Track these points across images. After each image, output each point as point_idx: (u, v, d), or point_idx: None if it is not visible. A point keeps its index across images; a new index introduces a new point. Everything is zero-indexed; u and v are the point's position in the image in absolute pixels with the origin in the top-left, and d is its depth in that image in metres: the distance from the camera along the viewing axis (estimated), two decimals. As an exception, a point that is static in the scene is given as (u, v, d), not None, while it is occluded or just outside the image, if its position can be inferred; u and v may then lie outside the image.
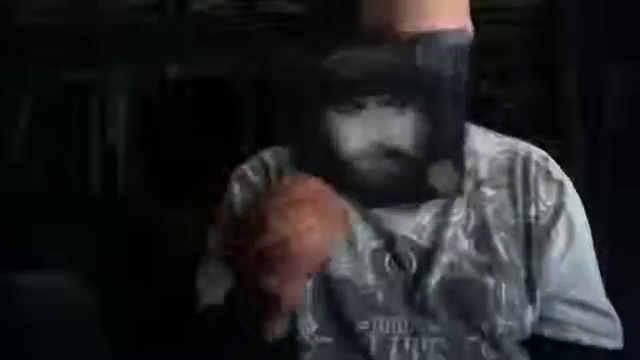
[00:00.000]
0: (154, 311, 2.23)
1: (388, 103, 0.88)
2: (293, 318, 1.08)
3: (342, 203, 0.87)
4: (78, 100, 2.92)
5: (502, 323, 1.09)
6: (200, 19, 2.94)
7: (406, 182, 0.91)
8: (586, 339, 1.13)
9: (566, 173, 1.19)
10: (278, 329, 0.93)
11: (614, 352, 1.13)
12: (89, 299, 2.13)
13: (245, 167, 1.18)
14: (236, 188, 1.16)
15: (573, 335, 1.12)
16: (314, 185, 0.85)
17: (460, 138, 0.90)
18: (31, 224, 2.69)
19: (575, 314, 1.13)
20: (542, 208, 1.14)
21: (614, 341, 1.14)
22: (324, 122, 0.91)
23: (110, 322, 2.08)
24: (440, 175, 0.90)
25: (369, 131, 0.89)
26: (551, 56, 2.88)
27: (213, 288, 1.13)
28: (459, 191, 0.85)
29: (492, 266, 1.10)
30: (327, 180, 0.86)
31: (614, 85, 2.76)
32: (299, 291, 0.87)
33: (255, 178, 1.15)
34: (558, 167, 1.16)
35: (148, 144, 2.91)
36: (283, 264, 0.82)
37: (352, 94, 0.90)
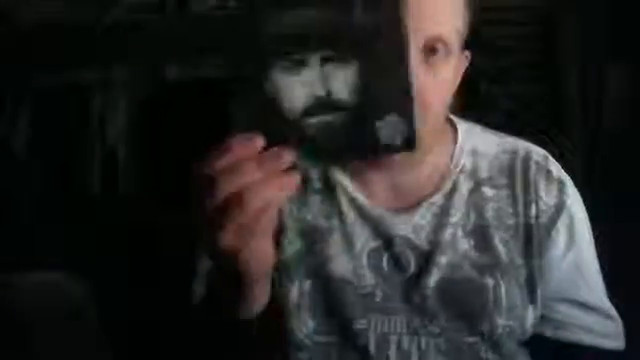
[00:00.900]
0: (154, 311, 2.23)
1: (329, 59, 0.89)
2: (289, 317, 1.09)
3: (288, 158, 0.87)
4: (78, 100, 2.92)
5: (502, 323, 1.09)
6: (200, 19, 2.93)
7: (353, 136, 0.91)
8: (587, 339, 1.13)
9: (566, 173, 1.19)
10: (258, 300, 0.92)
11: (615, 352, 1.13)
12: (89, 299, 2.12)
13: None
14: None
15: (574, 336, 1.12)
16: (258, 142, 0.86)
17: (407, 92, 0.90)
18: (31, 224, 2.69)
19: (576, 314, 1.13)
20: (543, 207, 1.14)
21: (615, 341, 1.14)
22: (268, 80, 0.92)
23: (110, 322, 2.08)
24: (388, 129, 0.90)
25: (313, 87, 0.90)
26: (551, 56, 2.87)
27: (203, 286, 1.14)
28: (410, 146, 0.86)
29: (492, 266, 1.10)
30: (275, 137, 0.87)
31: (614, 86, 2.76)
32: (259, 249, 0.86)
33: None
34: (559, 166, 1.16)
35: (148, 144, 2.91)
36: (238, 217, 0.82)
37: (291, 51, 0.90)
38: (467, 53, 1.14)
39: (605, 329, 1.16)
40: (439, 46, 1.05)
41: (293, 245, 1.15)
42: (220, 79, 2.94)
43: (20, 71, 2.84)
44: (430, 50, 1.04)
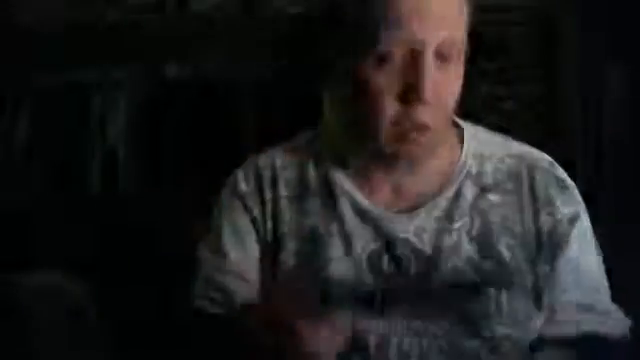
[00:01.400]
0: (153, 311, 2.23)
1: None
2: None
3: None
4: (78, 100, 2.91)
5: (503, 329, 1.09)
6: (200, 19, 2.93)
7: None
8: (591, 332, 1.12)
9: (566, 173, 1.19)
10: None
11: (615, 351, 1.13)
12: (89, 299, 2.12)
13: (238, 174, 1.19)
14: (226, 196, 1.18)
15: (576, 332, 1.11)
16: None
17: None
18: (31, 224, 2.69)
19: (581, 317, 1.13)
20: (552, 215, 1.14)
21: (620, 332, 1.14)
22: None
23: (110, 322, 2.08)
24: None
25: None
26: (551, 56, 2.87)
27: (208, 300, 1.15)
28: None
29: (496, 272, 1.10)
30: None
31: (615, 86, 2.76)
32: None
33: (245, 188, 1.17)
34: (564, 173, 1.16)
35: (148, 144, 2.91)
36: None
37: None
38: (466, 49, 1.14)
39: (611, 328, 1.16)
40: (452, 47, 1.05)
41: (292, 255, 1.14)
42: (220, 79, 2.94)
43: (20, 71, 2.84)
44: (444, 52, 1.05)
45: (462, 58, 1.10)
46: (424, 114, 1.06)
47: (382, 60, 1.05)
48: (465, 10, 1.09)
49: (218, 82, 2.89)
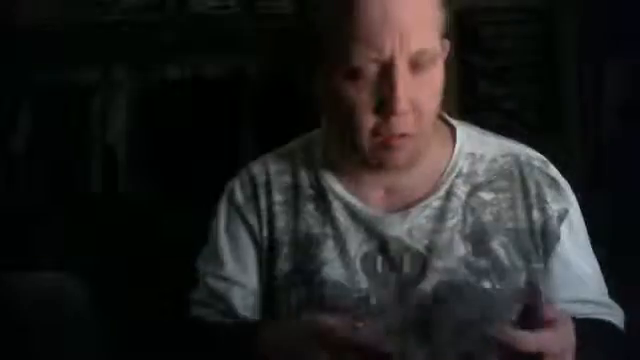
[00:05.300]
0: (154, 311, 2.23)
1: None
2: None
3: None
4: (78, 100, 2.92)
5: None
6: (200, 19, 2.94)
7: None
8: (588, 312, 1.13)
9: (565, 173, 1.19)
10: None
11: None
12: (89, 299, 2.12)
13: (235, 184, 1.19)
14: (223, 206, 1.18)
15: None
16: None
17: None
18: (31, 224, 2.69)
19: (576, 309, 1.13)
20: (544, 213, 1.14)
21: (617, 321, 1.14)
22: None
23: (110, 322, 2.08)
24: None
25: None
26: (551, 56, 2.88)
27: (206, 307, 1.15)
28: None
29: (490, 270, 1.10)
30: None
31: (613, 85, 2.76)
32: None
33: (241, 198, 1.17)
34: (557, 171, 1.15)
35: (148, 144, 2.92)
36: None
37: None
38: (447, 42, 1.12)
39: (607, 317, 1.16)
40: (426, 56, 1.04)
41: (287, 259, 1.14)
42: (220, 79, 2.95)
43: (20, 71, 2.84)
44: (418, 61, 1.04)
45: (441, 61, 1.09)
46: (402, 124, 1.05)
47: (355, 75, 1.04)
48: (440, 16, 1.07)
49: (218, 82, 2.90)
